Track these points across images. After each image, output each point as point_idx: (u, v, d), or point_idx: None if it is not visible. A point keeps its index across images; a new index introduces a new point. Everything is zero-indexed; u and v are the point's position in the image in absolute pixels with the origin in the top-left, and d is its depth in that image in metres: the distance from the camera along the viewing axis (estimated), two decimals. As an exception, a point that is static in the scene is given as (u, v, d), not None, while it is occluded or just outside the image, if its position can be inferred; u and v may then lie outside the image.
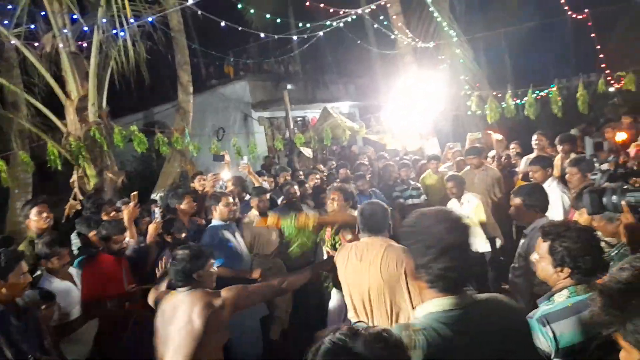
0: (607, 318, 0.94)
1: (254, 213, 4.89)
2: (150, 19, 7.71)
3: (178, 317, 2.56)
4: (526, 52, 15.76)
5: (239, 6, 9.71)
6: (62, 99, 7.29)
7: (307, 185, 6.34)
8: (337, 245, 3.76)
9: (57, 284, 3.51)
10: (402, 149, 9.96)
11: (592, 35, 10.57)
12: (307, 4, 9.84)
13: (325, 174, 7.22)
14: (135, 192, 4.48)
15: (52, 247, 3.52)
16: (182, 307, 2.56)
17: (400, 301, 2.75)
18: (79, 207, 6.07)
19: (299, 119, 15.86)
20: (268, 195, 5.14)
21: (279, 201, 5.80)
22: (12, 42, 6.95)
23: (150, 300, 2.96)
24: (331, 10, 9.68)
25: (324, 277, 4.44)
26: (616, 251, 2.44)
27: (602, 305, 0.96)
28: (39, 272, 3.73)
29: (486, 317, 1.51)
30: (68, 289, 3.57)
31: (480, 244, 5.10)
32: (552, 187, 4.28)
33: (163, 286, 3.00)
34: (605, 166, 4.89)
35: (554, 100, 7.87)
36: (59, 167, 6.86)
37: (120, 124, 8.05)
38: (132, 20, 7.17)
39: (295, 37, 11.95)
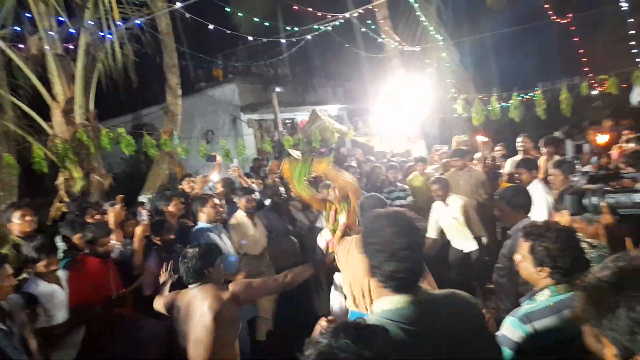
0: (586, 314, 0.97)
1: (240, 214, 4.90)
2: (138, 21, 7.68)
3: (193, 312, 2.69)
4: (511, 56, 15.96)
5: (227, 9, 9.71)
6: (49, 101, 7.23)
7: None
8: (337, 231, 3.77)
9: (42, 287, 3.48)
10: (390, 151, 10.04)
11: (576, 39, 10.77)
12: (296, 7, 9.88)
13: (313, 175, 7.24)
14: (121, 195, 4.46)
15: (42, 252, 3.49)
16: (195, 302, 2.70)
17: None
18: (65, 210, 6.02)
19: (287, 121, 15.88)
20: (255, 195, 5.15)
21: (267, 202, 5.81)
22: (-2, 43, 6.88)
23: (159, 305, 3.00)
24: (319, 14, 9.73)
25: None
26: (597, 252, 2.50)
27: (581, 302, 0.98)
28: (24, 275, 3.70)
29: (441, 312, 1.55)
30: (53, 292, 3.53)
31: (466, 243, 5.17)
32: (537, 189, 4.36)
33: (166, 291, 3.05)
34: (587, 168, 5.00)
35: (539, 103, 8.01)
36: (45, 170, 6.79)
37: (108, 126, 8.00)
38: (119, 23, 7.14)
39: (283, 41, 11.98)
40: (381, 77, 11.40)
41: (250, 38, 10.02)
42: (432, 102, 9.90)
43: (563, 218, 2.48)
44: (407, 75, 10.12)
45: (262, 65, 15.64)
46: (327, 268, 3.38)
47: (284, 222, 5.27)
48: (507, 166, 6.38)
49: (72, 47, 7.53)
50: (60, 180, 7.19)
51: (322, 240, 4.26)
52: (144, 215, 4.24)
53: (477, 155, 7.32)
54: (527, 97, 9.10)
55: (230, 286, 2.81)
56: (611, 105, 11.31)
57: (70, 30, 7.25)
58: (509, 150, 7.24)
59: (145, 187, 8.45)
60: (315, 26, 10.01)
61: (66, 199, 6.87)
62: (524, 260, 2.09)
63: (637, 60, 9.76)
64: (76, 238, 4.15)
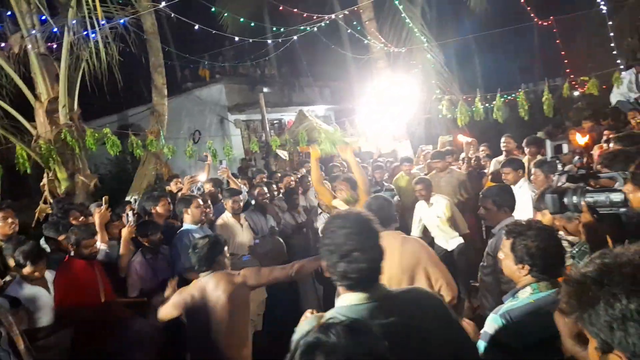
0: (569, 308, 0.99)
1: (227, 215, 4.89)
2: (122, 20, 7.61)
3: (208, 297, 2.90)
4: (495, 58, 16.20)
5: (213, 9, 9.69)
6: (32, 101, 7.13)
7: (280, 185, 6.40)
8: None
9: (27, 290, 3.44)
10: (377, 151, 10.10)
11: (557, 41, 10.97)
12: (281, 8, 9.90)
13: (299, 176, 7.27)
14: (106, 196, 4.42)
15: (29, 258, 3.46)
16: (209, 287, 2.91)
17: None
18: (50, 211, 5.95)
19: (275, 121, 15.86)
20: (242, 196, 5.15)
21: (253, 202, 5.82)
22: (-22, 42, 6.77)
23: (165, 313, 3.05)
24: (305, 15, 9.76)
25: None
26: (577, 249, 2.57)
27: (565, 296, 1.01)
28: (8, 278, 3.66)
29: (401, 308, 1.59)
30: (37, 295, 3.49)
31: (448, 242, 5.26)
32: (522, 188, 4.45)
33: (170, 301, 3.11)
34: (569, 167, 5.10)
35: (521, 104, 8.14)
36: (28, 171, 6.69)
37: (94, 126, 7.92)
38: (103, 22, 7.07)
39: (269, 41, 11.98)
40: (367, 78, 11.47)
41: (236, 38, 10.00)
42: (418, 103, 9.99)
43: (544, 217, 2.54)
44: (392, 76, 10.19)
45: (249, 66, 15.61)
46: None
47: (269, 222, 5.27)
48: (492, 166, 6.49)
49: (56, 46, 7.44)
50: (44, 181, 7.10)
51: None
52: (130, 216, 4.21)
53: (462, 155, 7.43)
54: (510, 98, 9.25)
55: (242, 272, 3.04)
56: (592, 105, 11.54)
57: (54, 29, 7.16)
58: (492, 150, 7.35)
59: (132, 188, 8.38)
60: (302, 27, 10.03)
61: (51, 200, 6.78)
62: (506, 258, 2.13)
63: (617, 61, 9.98)
64: (62, 239, 4.11)
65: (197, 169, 8.30)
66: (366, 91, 10.38)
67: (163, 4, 7.40)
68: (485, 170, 6.86)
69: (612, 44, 10.15)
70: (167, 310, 3.08)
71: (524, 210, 3.96)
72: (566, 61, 10.74)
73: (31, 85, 7.16)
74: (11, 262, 3.56)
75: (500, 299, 2.28)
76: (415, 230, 5.33)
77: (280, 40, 10.98)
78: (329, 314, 1.62)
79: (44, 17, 7.08)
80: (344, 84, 16.78)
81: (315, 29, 10.01)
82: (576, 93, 10.78)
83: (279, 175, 7.43)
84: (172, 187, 6.22)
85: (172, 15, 8.10)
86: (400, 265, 2.90)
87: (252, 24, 10.52)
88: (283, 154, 11.06)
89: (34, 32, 6.94)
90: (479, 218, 5.63)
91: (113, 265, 4.06)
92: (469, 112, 8.63)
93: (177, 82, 15.44)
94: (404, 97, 9.58)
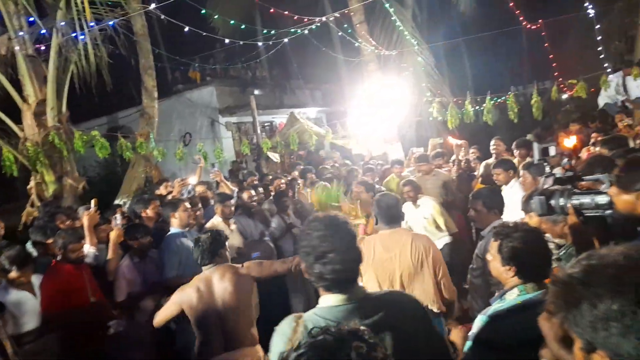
0: (555, 308, 0.99)
1: (217, 219, 4.87)
2: (111, 22, 7.57)
3: (215, 287, 2.99)
4: (485, 61, 16.32)
5: (203, 11, 9.66)
6: (19, 103, 7.06)
7: (271, 188, 6.40)
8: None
9: (11, 295, 3.41)
10: (368, 153, 10.12)
11: (546, 44, 11.08)
12: (272, 11, 9.89)
13: (289, 178, 7.24)
14: (95, 198, 4.38)
15: (14, 263, 3.42)
16: (215, 278, 3.01)
17: (428, 283, 3.12)
18: (37, 215, 5.89)
19: (266, 124, 15.83)
20: (233, 201, 5.12)
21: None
22: (-35, 44, 6.69)
23: (165, 314, 3.09)
24: (296, 17, 9.77)
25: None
26: (564, 251, 2.59)
27: (551, 296, 1.01)
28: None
29: (378, 310, 1.60)
30: (23, 299, 3.46)
31: (437, 242, 5.28)
32: (514, 188, 4.47)
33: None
34: (557, 170, 5.14)
35: (511, 106, 8.20)
36: (15, 174, 6.62)
37: (83, 128, 7.85)
38: (92, 24, 7.02)
39: (260, 43, 11.97)
40: (358, 80, 11.49)
41: (226, 41, 9.98)
42: (408, 106, 10.03)
43: (531, 219, 2.56)
44: (383, 79, 10.23)
45: (240, 68, 15.58)
46: None
47: (257, 226, 5.25)
48: (482, 168, 6.52)
49: (44, 48, 7.37)
50: (31, 184, 7.03)
51: None
52: (118, 219, 4.17)
53: (454, 157, 7.46)
54: (500, 100, 9.32)
55: (244, 264, 3.19)
56: (580, 108, 11.67)
57: (42, 30, 7.10)
58: (482, 153, 7.39)
59: (121, 191, 8.32)
60: (293, 29, 10.04)
61: (38, 204, 6.71)
62: (493, 259, 2.14)
63: (604, 65, 10.09)
64: (49, 243, 4.06)
65: (187, 172, 8.24)
66: (357, 94, 10.41)
67: (153, 5, 7.36)
68: (475, 173, 6.90)
69: (600, 48, 10.27)
70: (168, 310, 3.10)
71: (515, 211, 3.98)
72: (555, 64, 10.85)
73: (19, 88, 7.10)
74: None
75: (489, 301, 2.29)
76: None
77: (271, 42, 10.98)
78: (306, 315, 1.65)
79: (31, 19, 7.02)
80: (335, 87, 16.79)
81: (307, 31, 10.02)
82: (565, 96, 10.88)
83: (270, 177, 7.41)
84: (162, 190, 6.18)
85: (163, 17, 8.05)
86: (411, 259, 3.06)
87: (243, 27, 10.50)
88: (274, 156, 11.05)
89: (21, 33, 6.88)
90: (469, 220, 5.67)
91: (102, 268, 4.03)
92: (459, 114, 8.68)
93: (168, 84, 15.36)
94: (394, 100, 9.62)
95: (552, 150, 4.29)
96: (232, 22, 10.05)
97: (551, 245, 2.52)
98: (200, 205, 5.22)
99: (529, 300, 1.98)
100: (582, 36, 12.23)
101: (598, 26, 10.19)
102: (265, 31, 10.93)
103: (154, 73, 9.07)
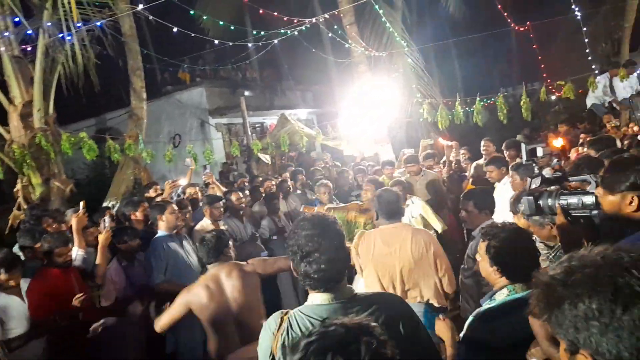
0: (538, 310, 1.00)
1: (206, 221, 4.83)
2: (99, 23, 7.50)
3: (224, 284, 3.00)
4: (474, 62, 16.43)
5: (191, 12, 9.61)
6: (5, 105, 6.97)
7: (261, 190, 6.38)
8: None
9: (1, 299, 3.35)
10: (360, 154, 10.12)
11: (534, 46, 11.18)
12: (261, 12, 9.87)
13: (279, 180, 7.21)
14: (83, 201, 4.32)
15: (3, 265, 3.35)
16: (222, 276, 3.02)
17: (428, 277, 3.13)
18: (24, 218, 5.80)
19: (256, 125, 15.79)
20: (222, 203, 5.08)
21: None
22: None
23: (172, 316, 3.02)
24: (285, 18, 9.76)
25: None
26: (554, 253, 2.60)
27: (534, 298, 1.02)
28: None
29: (364, 311, 1.62)
30: (10, 304, 3.39)
31: None
32: (507, 185, 4.48)
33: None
34: (547, 171, 5.18)
35: (500, 107, 8.24)
36: (1, 176, 6.53)
37: (71, 130, 7.77)
38: (79, 24, 6.95)
39: (250, 45, 11.93)
40: (349, 81, 11.50)
41: (216, 42, 9.93)
42: (399, 107, 10.06)
43: (520, 220, 2.57)
44: (374, 80, 10.24)
45: (230, 69, 15.53)
46: None
47: (247, 227, 5.22)
48: (472, 169, 6.55)
49: (30, 49, 7.28)
50: (18, 187, 6.94)
51: None
52: (107, 221, 4.12)
53: (444, 158, 7.49)
54: (490, 102, 9.38)
55: (249, 261, 3.24)
56: (569, 109, 11.79)
57: (28, 31, 7.01)
58: (473, 154, 7.43)
59: (109, 193, 8.23)
60: (283, 30, 10.02)
61: (25, 207, 6.62)
62: (482, 260, 2.15)
63: (592, 66, 10.21)
64: (38, 247, 3.99)
65: (177, 174, 8.18)
66: (348, 95, 10.41)
67: (141, 6, 7.30)
68: (466, 174, 6.92)
69: (587, 50, 10.39)
70: (175, 312, 3.03)
71: (508, 208, 4.00)
72: (543, 66, 10.96)
73: (4, 89, 7.01)
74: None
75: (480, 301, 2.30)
76: None
77: (261, 43, 10.95)
78: (292, 312, 1.69)
79: (17, 19, 6.92)
80: (326, 88, 16.80)
81: (297, 32, 10.01)
82: (553, 97, 10.99)
83: (260, 179, 7.38)
84: (152, 193, 6.12)
85: (151, 18, 8.00)
86: (411, 254, 3.07)
87: (232, 27, 10.46)
88: (265, 157, 11.01)
89: (7, 34, 6.79)
90: (460, 221, 5.69)
91: (91, 272, 3.97)
92: (450, 115, 8.72)
93: (157, 85, 15.26)
94: (385, 101, 9.63)
95: (540, 151, 4.32)
96: (221, 23, 10.01)
97: (541, 246, 2.54)
98: (189, 207, 5.17)
99: (519, 300, 1.98)
100: (570, 38, 12.38)
101: (585, 29, 10.30)
102: (255, 32, 10.91)
103: (142, 74, 8.99)
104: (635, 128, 6.25)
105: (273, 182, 6.76)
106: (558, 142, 5.74)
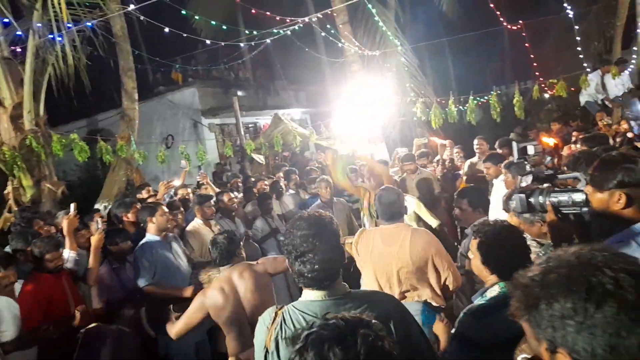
0: (517, 311, 1.01)
1: (198, 222, 4.80)
2: (89, 24, 7.44)
3: (237, 286, 3.02)
4: (467, 61, 16.47)
5: (183, 12, 9.56)
6: (-5, 107, 6.90)
7: (254, 190, 6.35)
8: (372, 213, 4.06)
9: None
10: (354, 154, 10.10)
11: (527, 45, 11.21)
12: (254, 11, 9.83)
13: (273, 180, 7.18)
14: (74, 202, 4.27)
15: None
16: (235, 277, 3.04)
17: (427, 279, 3.09)
18: (14, 220, 5.74)
19: (250, 125, 15.76)
20: (213, 202, 5.05)
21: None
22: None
23: (179, 330, 3.02)
24: (278, 18, 9.73)
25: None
26: (544, 250, 2.60)
27: (513, 300, 1.03)
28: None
29: (356, 308, 1.64)
30: (2, 306, 3.35)
31: None
32: (504, 183, 4.49)
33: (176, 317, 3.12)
34: (541, 168, 5.20)
35: (494, 106, 8.26)
36: (-9, 178, 6.47)
37: (62, 131, 7.71)
38: (69, 25, 6.90)
39: (243, 44, 11.89)
40: (342, 81, 11.48)
41: (208, 42, 9.88)
42: (392, 106, 10.04)
43: (512, 218, 2.57)
44: (367, 79, 10.23)
45: (223, 69, 15.48)
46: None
47: (239, 227, 5.19)
48: (466, 167, 6.56)
49: (20, 50, 7.22)
50: (8, 189, 6.87)
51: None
52: (100, 223, 4.07)
53: (438, 157, 7.50)
54: (483, 100, 9.39)
55: (259, 261, 3.28)
56: (562, 107, 11.83)
57: (18, 32, 6.94)
58: (466, 152, 7.44)
59: (101, 195, 8.17)
60: (275, 30, 9.99)
61: (15, 209, 6.56)
62: (474, 257, 2.15)
63: (584, 65, 10.25)
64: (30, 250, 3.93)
65: (170, 175, 8.13)
66: (341, 94, 10.39)
67: (132, 6, 7.25)
68: (460, 172, 6.93)
69: (579, 48, 10.43)
70: (193, 318, 3.02)
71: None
72: (535, 64, 10.99)
73: (-6, 90, 6.92)
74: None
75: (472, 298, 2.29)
76: None
77: (253, 43, 10.92)
78: (286, 307, 1.73)
79: (6, 20, 6.86)
80: (319, 87, 16.79)
81: (289, 32, 9.98)
82: (546, 95, 11.02)
83: (253, 180, 7.36)
84: (144, 194, 6.07)
85: (142, 18, 7.94)
86: (410, 255, 3.04)
87: (225, 27, 10.42)
88: (259, 158, 10.98)
89: (-4, 35, 6.72)
90: (454, 219, 5.69)
91: (83, 275, 3.92)
92: (443, 114, 8.72)
93: (149, 86, 15.19)
94: (378, 100, 9.62)
95: (531, 149, 4.33)
96: (213, 23, 9.97)
97: (533, 244, 2.53)
98: (182, 208, 5.14)
99: (510, 297, 1.97)
100: (562, 37, 12.42)
101: (577, 27, 10.34)
102: (247, 32, 10.87)
103: (134, 75, 8.93)
104: (625, 126, 6.29)
105: (266, 183, 6.74)
106: (549, 140, 5.76)
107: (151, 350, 3.87)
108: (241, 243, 3.24)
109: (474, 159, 6.54)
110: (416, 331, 1.78)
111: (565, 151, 5.93)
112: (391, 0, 13.17)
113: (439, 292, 3.21)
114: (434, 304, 3.22)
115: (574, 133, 6.84)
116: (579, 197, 1.95)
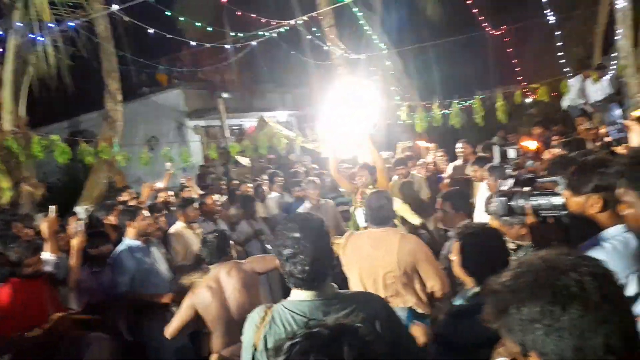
0: (489, 316, 1.02)
1: (180, 224, 4.76)
2: (72, 24, 7.34)
3: (224, 285, 3.05)
4: (452, 65, 16.59)
5: (167, 13, 9.49)
6: (-27, 107, 6.76)
7: (237, 193, 6.33)
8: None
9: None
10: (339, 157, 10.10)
11: (509, 49, 11.37)
12: (239, 13, 9.81)
13: (257, 184, 7.14)
14: (54, 204, 4.19)
15: None
16: (222, 276, 3.07)
17: (412, 285, 3.08)
18: (-8, 223, 5.61)
19: (235, 127, 15.68)
20: (197, 204, 5.00)
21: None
22: None
23: (173, 329, 3.06)
24: (264, 20, 9.72)
25: None
26: (524, 252, 2.64)
27: (486, 306, 1.04)
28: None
29: (344, 308, 1.68)
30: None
31: None
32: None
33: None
34: (521, 172, 5.27)
35: (477, 110, 8.37)
36: (-31, 180, 6.33)
37: (43, 132, 7.57)
38: (51, 25, 6.80)
39: (228, 46, 11.85)
40: (328, 84, 11.50)
41: (192, 43, 9.82)
42: (378, 109, 10.08)
43: (493, 221, 2.60)
44: (353, 83, 10.26)
45: (208, 71, 15.38)
46: None
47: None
48: (449, 170, 6.63)
49: (0, 50, 7.08)
50: (-14, 191, 6.72)
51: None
52: (80, 226, 3.99)
53: (422, 160, 7.54)
54: (467, 104, 9.51)
55: (247, 259, 3.31)
56: (543, 112, 12.01)
57: (-3, 32, 6.82)
58: (449, 155, 7.51)
59: (82, 197, 8.04)
60: (261, 32, 9.98)
61: (-7, 211, 6.42)
62: (455, 259, 2.17)
63: (564, 70, 10.43)
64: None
65: (153, 177, 8.01)
66: (327, 97, 10.40)
67: (115, 6, 7.17)
68: (443, 175, 6.99)
69: (561, 53, 10.61)
70: (184, 315, 3.07)
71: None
72: (518, 69, 11.16)
73: (-28, 90, 6.78)
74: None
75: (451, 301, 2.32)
76: None
77: (239, 45, 10.88)
78: (275, 306, 1.76)
79: (-15, 19, 6.74)
80: (305, 90, 16.79)
81: (275, 34, 9.97)
82: (528, 100, 11.19)
83: (237, 182, 7.32)
84: (125, 197, 5.99)
85: (127, 18, 7.86)
86: (397, 261, 3.03)
87: (211, 29, 10.37)
88: (244, 160, 10.93)
89: (-25, 34, 6.59)
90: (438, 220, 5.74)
91: (64, 277, 3.84)
92: (428, 118, 8.79)
93: (133, 87, 15.00)
94: (364, 103, 9.65)
95: (512, 153, 4.39)
96: (197, 24, 9.91)
97: (512, 246, 2.56)
98: (164, 210, 5.09)
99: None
100: (544, 42, 12.61)
101: (559, 32, 10.52)
102: (233, 34, 10.83)
103: (117, 76, 8.82)
104: (603, 130, 6.42)
105: (250, 186, 6.71)
106: (529, 144, 5.85)
107: (137, 356, 3.82)
108: (231, 242, 3.26)
109: (457, 162, 6.61)
110: (405, 332, 1.80)
111: (546, 155, 6.02)
112: (377, 4, 13.26)
113: (424, 298, 3.19)
114: (419, 310, 3.23)
115: (554, 137, 6.95)
116: (557, 200, 1.99)
